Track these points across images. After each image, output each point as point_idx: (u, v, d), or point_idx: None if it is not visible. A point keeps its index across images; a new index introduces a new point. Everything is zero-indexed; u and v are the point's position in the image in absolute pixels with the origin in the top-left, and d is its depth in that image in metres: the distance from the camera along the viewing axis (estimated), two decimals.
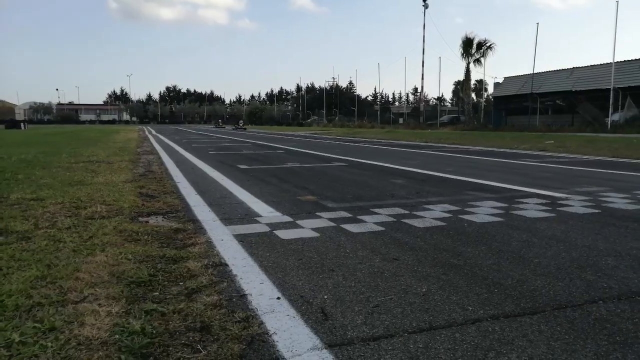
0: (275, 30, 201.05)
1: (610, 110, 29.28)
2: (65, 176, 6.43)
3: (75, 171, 7.09)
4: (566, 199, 4.93)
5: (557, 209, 4.38)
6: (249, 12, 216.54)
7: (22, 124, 42.64)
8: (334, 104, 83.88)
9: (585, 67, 36.61)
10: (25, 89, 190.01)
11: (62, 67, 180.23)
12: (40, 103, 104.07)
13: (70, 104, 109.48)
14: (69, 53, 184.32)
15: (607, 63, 31.77)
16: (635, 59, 32.61)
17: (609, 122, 28.83)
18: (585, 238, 3.33)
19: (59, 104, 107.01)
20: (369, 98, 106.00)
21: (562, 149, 13.52)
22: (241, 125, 51.56)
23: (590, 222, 3.86)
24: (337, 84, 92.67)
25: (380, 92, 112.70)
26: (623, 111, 30.08)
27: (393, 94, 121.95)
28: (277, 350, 1.71)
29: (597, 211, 4.28)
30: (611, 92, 29.10)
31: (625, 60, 32.58)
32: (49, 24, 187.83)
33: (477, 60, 43.35)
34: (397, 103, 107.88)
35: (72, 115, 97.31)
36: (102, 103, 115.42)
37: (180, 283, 2.37)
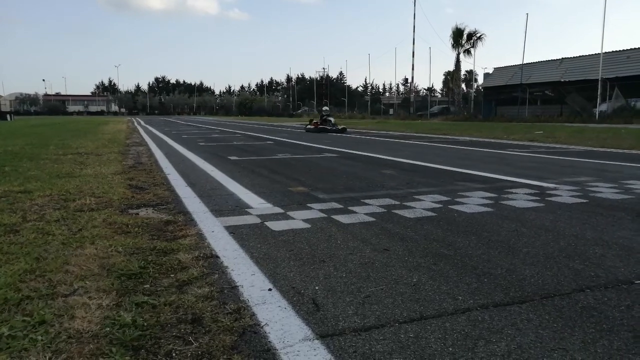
0: (266, 21, 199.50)
1: (599, 101, 29.49)
2: (53, 168, 6.36)
3: (63, 163, 7.02)
4: (555, 189, 4.98)
5: (546, 199, 4.42)
6: (239, 2, 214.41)
7: (8, 116, 41.97)
8: (324, 94, 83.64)
9: (574, 57, 36.77)
10: (11, 79, 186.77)
11: (49, 58, 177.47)
12: (26, 94, 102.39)
13: (58, 94, 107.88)
14: (56, 43, 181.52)
15: (595, 54, 31.96)
16: (623, 50, 32.83)
17: (597, 113, 29.05)
18: (573, 227, 3.37)
19: (46, 94, 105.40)
20: (360, 89, 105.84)
21: (551, 139, 13.63)
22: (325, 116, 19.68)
23: (578, 211, 3.91)
24: (327, 75, 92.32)
25: (371, 82, 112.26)
26: (611, 102, 30.32)
27: (383, 84, 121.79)
28: (269, 342, 1.72)
29: (585, 201, 4.33)
30: (599, 82, 29.30)
31: (613, 51, 32.80)
32: (35, 13, 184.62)
33: (467, 51, 43.39)
34: (387, 94, 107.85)
35: (60, 107, 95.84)
36: (90, 94, 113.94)
37: (171, 275, 2.36)
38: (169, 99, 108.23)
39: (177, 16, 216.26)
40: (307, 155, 9.29)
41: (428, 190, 4.84)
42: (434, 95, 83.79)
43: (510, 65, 42.00)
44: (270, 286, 2.25)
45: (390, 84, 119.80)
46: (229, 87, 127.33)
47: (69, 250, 2.70)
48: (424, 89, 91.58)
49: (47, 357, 1.59)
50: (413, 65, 45.56)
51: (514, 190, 4.83)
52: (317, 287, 2.24)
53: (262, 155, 9.12)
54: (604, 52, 29.86)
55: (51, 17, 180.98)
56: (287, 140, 14.38)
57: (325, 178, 5.85)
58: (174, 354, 1.64)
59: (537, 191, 4.81)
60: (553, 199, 4.43)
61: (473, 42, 42.86)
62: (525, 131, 17.86)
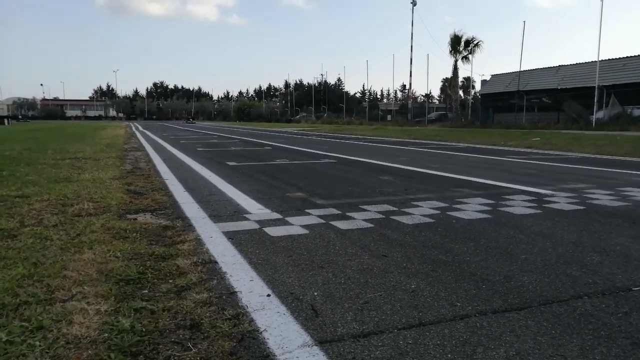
0: (264, 27, 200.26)
1: (595, 108, 29.65)
2: (51, 173, 6.35)
3: (61, 168, 7.01)
4: (552, 195, 4.99)
5: (544, 205, 4.43)
6: (239, 8, 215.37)
7: (5, 120, 41.88)
8: (322, 100, 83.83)
9: (570, 65, 36.99)
10: (8, 84, 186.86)
11: (47, 62, 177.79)
12: (24, 98, 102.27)
13: (56, 99, 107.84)
14: (54, 47, 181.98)
15: (592, 61, 32.14)
16: (620, 58, 33.04)
17: (594, 120, 29.20)
18: (571, 234, 3.38)
19: (44, 99, 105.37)
20: (358, 95, 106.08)
21: (548, 146, 13.68)
22: None
23: (575, 218, 3.92)
24: (325, 81, 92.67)
25: (369, 89, 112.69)
26: (607, 109, 30.47)
27: (381, 90, 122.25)
28: (268, 348, 1.72)
29: (582, 208, 4.35)
30: (596, 90, 29.47)
31: (609, 59, 33.00)
32: (33, 17, 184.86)
33: (465, 58, 43.55)
34: (385, 100, 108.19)
35: (57, 111, 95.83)
36: (88, 99, 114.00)
37: (170, 281, 2.36)
38: (167, 104, 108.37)
39: (177, 22, 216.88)
40: (305, 160, 9.30)
41: (426, 197, 4.85)
42: (432, 102, 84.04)
43: (507, 72, 42.23)
44: (269, 292, 2.25)
45: (388, 90, 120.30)
46: (227, 92, 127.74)
47: (67, 256, 2.69)
48: (422, 95, 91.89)
49: None
50: (411, 71, 45.51)
51: (511, 197, 4.85)
52: (315, 293, 2.24)
53: (260, 161, 9.13)
54: (600, 59, 30.03)
55: (50, 21, 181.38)
56: (285, 145, 14.40)
57: (323, 184, 5.86)
58: None
59: (534, 198, 4.83)
60: (550, 205, 4.44)
61: (471, 49, 43.04)
62: (523, 138, 17.92)
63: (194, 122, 65.62)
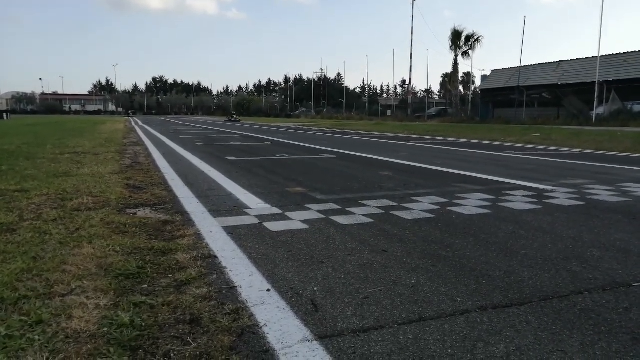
0: (264, 21, 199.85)
1: (595, 104, 29.61)
2: (50, 167, 6.34)
3: (60, 162, 6.99)
4: (552, 191, 4.99)
5: (544, 201, 4.43)
6: (238, 3, 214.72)
7: (4, 115, 41.78)
8: (322, 95, 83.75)
9: (571, 60, 36.90)
10: (7, 78, 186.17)
11: (46, 56, 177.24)
12: (23, 93, 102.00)
13: (55, 94, 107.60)
14: (53, 42, 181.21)
15: (592, 57, 32.06)
16: (620, 53, 32.96)
17: (594, 115, 29.17)
18: (571, 230, 3.37)
19: (43, 94, 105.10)
20: (357, 90, 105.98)
21: (548, 141, 13.66)
22: None
23: (575, 214, 3.91)
24: (325, 76, 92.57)
25: (369, 84, 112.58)
26: (608, 104, 30.42)
27: (381, 86, 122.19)
28: (268, 342, 1.71)
29: (582, 203, 4.34)
30: (596, 85, 29.42)
31: (610, 54, 32.91)
32: (32, 11, 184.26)
33: (465, 53, 43.48)
34: (385, 95, 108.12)
35: (57, 106, 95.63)
36: (87, 93, 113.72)
37: (170, 275, 2.36)
38: (166, 99, 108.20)
39: (176, 16, 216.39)
40: (305, 156, 9.28)
41: (426, 192, 4.84)
42: (432, 97, 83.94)
43: (507, 67, 42.11)
44: (269, 287, 2.25)
45: (388, 85, 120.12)
46: (227, 87, 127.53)
47: (66, 250, 2.68)
48: (422, 90, 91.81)
49: (45, 357, 1.58)
50: (411, 67, 45.37)
51: (511, 192, 4.84)
52: (315, 288, 2.24)
53: (259, 156, 9.11)
54: (601, 55, 29.96)
55: (49, 15, 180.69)
56: (284, 140, 14.37)
57: (323, 179, 5.85)
58: (172, 355, 1.63)
59: (534, 193, 4.82)
60: (550, 201, 4.43)
61: (471, 45, 42.97)
62: (523, 133, 17.89)
63: (238, 119, 48.92)
